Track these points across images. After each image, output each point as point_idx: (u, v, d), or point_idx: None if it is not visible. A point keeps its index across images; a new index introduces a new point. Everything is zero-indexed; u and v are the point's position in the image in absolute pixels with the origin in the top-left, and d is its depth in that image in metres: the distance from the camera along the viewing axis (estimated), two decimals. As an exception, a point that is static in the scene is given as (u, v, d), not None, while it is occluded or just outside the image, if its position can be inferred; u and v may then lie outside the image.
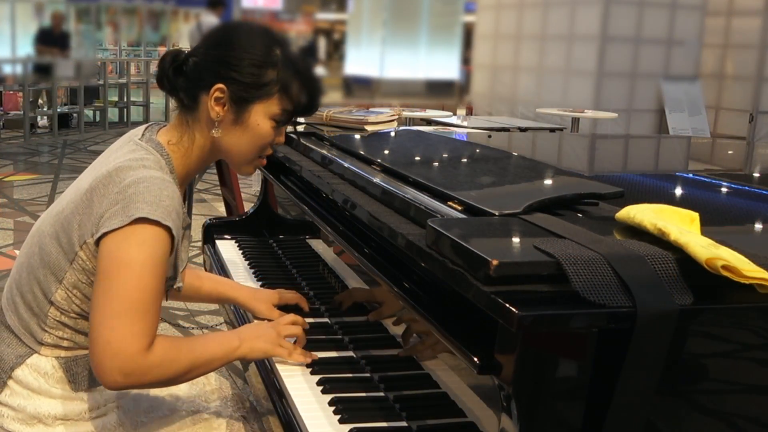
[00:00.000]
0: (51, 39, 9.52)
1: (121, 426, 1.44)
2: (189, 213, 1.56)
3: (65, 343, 1.40)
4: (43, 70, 9.43)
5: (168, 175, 1.36)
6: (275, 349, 1.45)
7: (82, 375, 1.41)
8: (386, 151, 2.06)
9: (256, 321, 1.69)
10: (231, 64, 1.36)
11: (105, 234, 1.26)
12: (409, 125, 5.71)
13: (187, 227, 1.50)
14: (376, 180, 1.55)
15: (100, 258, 1.27)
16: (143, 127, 1.48)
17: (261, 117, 1.39)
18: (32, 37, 9.45)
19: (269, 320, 1.61)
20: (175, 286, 1.46)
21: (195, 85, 1.39)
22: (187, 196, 1.54)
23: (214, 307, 3.65)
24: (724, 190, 1.77)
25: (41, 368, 1.40)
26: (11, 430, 1.41)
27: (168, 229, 1.26)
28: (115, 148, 1.45)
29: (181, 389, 1.59)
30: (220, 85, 1.36)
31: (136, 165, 1.32)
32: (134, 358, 1.22)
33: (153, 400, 1.52)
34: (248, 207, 2.56)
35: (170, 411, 1.51)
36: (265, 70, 1.37)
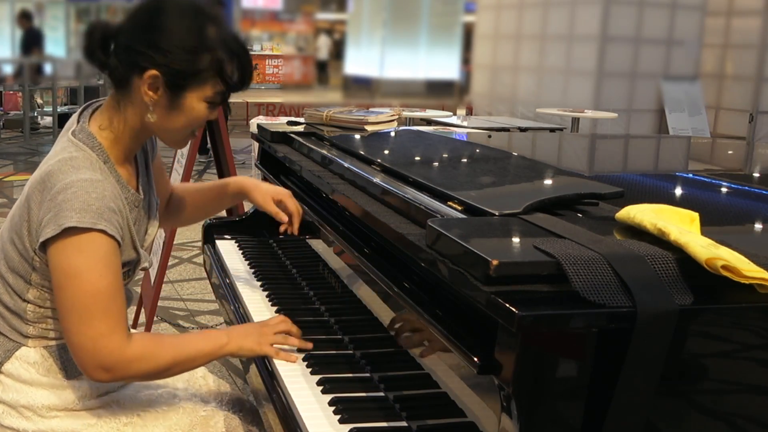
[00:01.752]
0: (25, 41, 9.45)
1: (117, 419, 1.45)
2: (148, 180, 1.54)
3: (51, 333, 1.43)
4: (20, 73, 9.36)
5: (99, 170, 1.35)
6: (263, 348, 1.48)
7: (72, 362, 1.42)
8: (386, 151, 2.06)
9: (250, 322, 1.70)
10: (164, 50, 1.32)
11: (44, 242, 1.29)
12: (409, 125, 5.71)
13: (142, 203, 1.49)
14: (376, 180, 1.55)
15: (50, 268, 1.31)
16: (81, 109, 1.47)
17: (196, 101, 1.37)
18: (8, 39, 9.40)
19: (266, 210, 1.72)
20: (141, 266, 1.49)
21: (127, 68, 1.35)
22: (141, 168, 1.52)
23: (214, 306, 3.65)
24: (724, 190, 1.77)
25: (30, 358, 1.42)
26: (8, 426, 1.42)
27: (102, 231, 1.28)
28: (56, 142, 1.45)
29: (179, 387, 1.59)
30: (154, 72, 1.32)
31: (66, 167, 1.32)
32: (111, 355, 1.28)
33: (151, 396, 1.53)
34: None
35: (168, 408, 1.51)
36: (199, 55, 1.33)
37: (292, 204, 1.76)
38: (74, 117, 1.46)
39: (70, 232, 1.26)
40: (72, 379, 1.43)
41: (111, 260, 1.30)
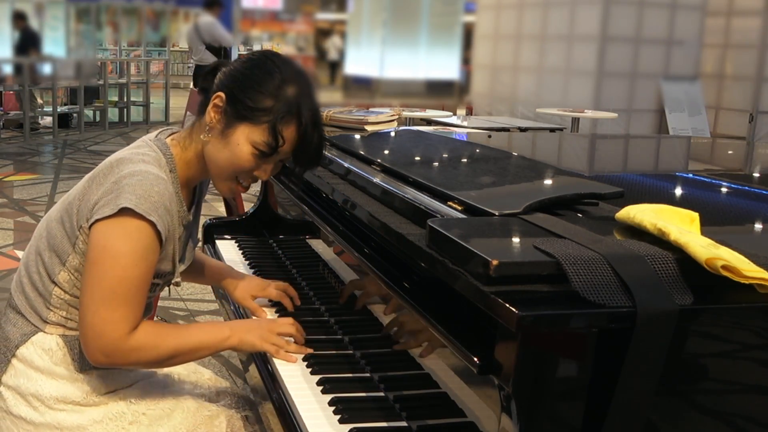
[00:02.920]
0: (21, 42, 9.43)
1: (123, 417, 1.46)
2: (197, 213, 1.60)
3: (69, 323, 1.45)
4: (19, 73, 9.34)
5: (165, 173, 1.41)
6: (264, 345, 1.49)
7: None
8: (386, 151, 2.06)
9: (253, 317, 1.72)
10: (240, 81, 1.40)
11: (96, 221, 1.33)
12: (409, 125, 5.71)
13: (190, 226, 1.54)
14: (376, 180, 1.55)
15: (90, 245, 1.35)
16: (159, 129, 1.54)
17: (243, 138, 1.39)
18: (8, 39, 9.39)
19: (243, 307, 1.76)
20: (173, 281, 1.53)
21: (209, 93, 1.44)
22: (196, 200, 1.59)
23: (214, 307, 3.65)
24: (724, 190, 1.77)
25: (46, 345, 1.44)
26: (16, 414, 1.43)
27: (153, 224, 1.32)
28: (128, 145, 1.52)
29: (185, 387, 1.60)
30: (221, 94, 1.40)
31: (136, 159, 1.39)
32: (114, 342, 1.32)
33: (156, 395, 1.53)
34: (248, 207, 2.56)
35: (173, 407, 1.51)
36: (264, 96, 1.38)
37: (274, 293, 1.75)
38: (154, 131, 1.53)
39: (123, 213, 1.31)
40: (83, 372, 1.45)
41: (150, 254, 1.34)
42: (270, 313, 1.73)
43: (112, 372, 1.49)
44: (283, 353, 1.49)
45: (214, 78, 1.45)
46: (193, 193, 1.56)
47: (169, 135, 1.50)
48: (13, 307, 1.50)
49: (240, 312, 1.83)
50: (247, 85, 1.38)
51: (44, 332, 1.45)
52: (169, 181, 1.41)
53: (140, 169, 1.36)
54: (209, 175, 1.49)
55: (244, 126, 1.39)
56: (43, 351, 1.44)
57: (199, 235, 2.40)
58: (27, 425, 1.43)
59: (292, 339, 1.52)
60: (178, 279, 1.54)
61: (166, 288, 1.58)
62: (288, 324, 1.53)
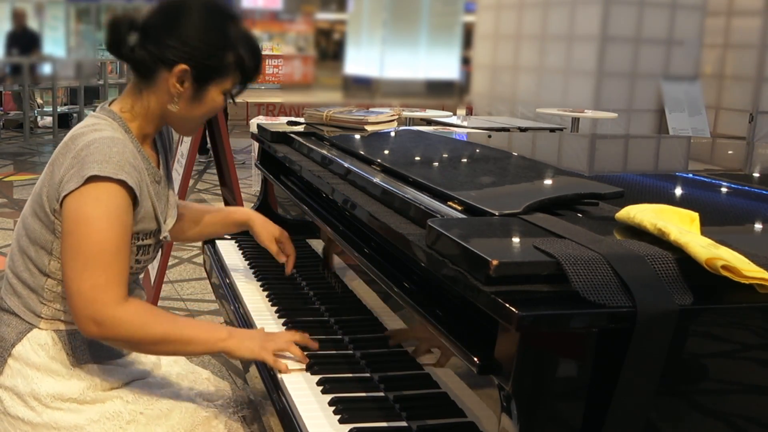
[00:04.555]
0: (18, 40, 9.42)
1: (120, 417, 1.46)
2: (168, 169, 1.62)
3: (63, 316, 1.46)
4: (16, 72, 9.32)
5: (121, 134, 1.43)
6: (262, 353, 1.45)
7: (81, 349, 1.47)
8: (386, 151, 2.06)
9: (257, 329, 1.68)
10: (193, 47, 1.42)
11: (65, 196, 1.35)
12: (409, 125, 5.71)
13: (165, 182, 1.57)
14: (376, 180, 1.55)
15: (63, 219, 1.36)
16: (101, 104, 1.56)
17: (216, 93, 1.48)
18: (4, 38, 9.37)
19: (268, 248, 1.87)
20: (161, 237, 1.54)
21: (155, 60, 1.43)
22: (163, 156, 1.62)
23: (214, 307, 3.65)
24: (724, 190, 1.77)
25: (41, 340, 1.45)
26: (14, 415, 1.43)
27: (122, 182, 1.34)
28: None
29: (183, 387, 1.60)
30: (184, 66, 1.42)
31: (88, 130, 1.42)
32: (104, 309, 1.32)
33: (154, 394, 1.53)
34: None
35: (171, 407, 1.51)
36: (225, 52, 1.45)
37: (291, 247, 1.89)
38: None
39: (90, 181, 1.33)
40: (79, 367, 1.46)
41: (123, 215, 1.36)
42: (276, 324, 1.72)
43: (108, 368, 1.50)
44: (281, 363, 1.45)
45: (134, 46, 1.44)
46: (155, 150, 1.58)
47: (111, 103, 1.51)
48: (5, 310, 1.50)
49: (240, 312, 1.83)
50: (204, 49, 1.42)
51: (39, 328, 1.45)
52: (128, 140, 1.44)
53: (95, 137, 1.38)
54: (166, 125, 1.56)
55: (216, 84, 1.47)
56: (39, 346, 1.44)
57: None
58: (24, 426, 1.43)
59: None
60: (166, 234, 1.55)
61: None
62: (289, 340, 1.49)
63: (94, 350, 1.49)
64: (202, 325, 1.48)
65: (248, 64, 1.48)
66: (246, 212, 1.95)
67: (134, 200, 1.39)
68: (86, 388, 1.45)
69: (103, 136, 1.38)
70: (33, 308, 1.46)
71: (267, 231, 1.89)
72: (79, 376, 1.46)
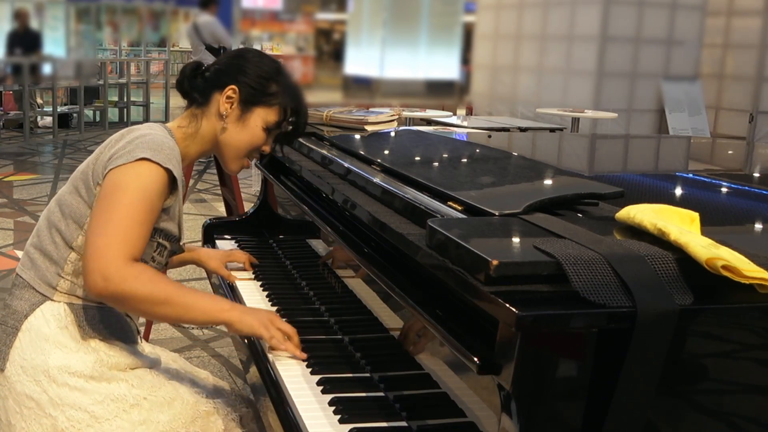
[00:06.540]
0: (20, 40, 9.42)
1: (124, 399, 1.47)
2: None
3: (79, 291, 1.50)
4: (17, 72, 9.31)
5: (171, 141, 1.54)
6: (261, 329, 1.47)
7: (92, 323, 1.50)
8: (386, 151, 2.06)
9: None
10: (245, 73, 1.62)
11: (111, 169, 1.44)
12: (409, 125, 5.71)
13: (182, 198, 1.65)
14: (376, 180, 1.55)
15: (102, 187, 1.45)
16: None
17: (260, 120, 1.62)
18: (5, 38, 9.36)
19: (220, 275, 2.00)
20: (180, 244, 1.63)
21: (211, 86, 1.62)
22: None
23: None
24: (724, 190, 1.77)
25: (54, 311, 1.49)
26: (18, 391, 1.45)
27: (168, 171, 1.45)
28: None
29: (185, 380, 1.61)
30: (234, 86, 1.60)
31: (144, 128, 1.55)
32: (113, 263, 1.36)
33: (157, 381, 1.55)
34: (248, 207, 2.56)
35: (173, 397, 1.53)
36: (270, 83, 1.62)
37: (240, 254, 2.07)
38: None
39: (139, 161, 1.43)
40: (86, 341, 1.49)
41: (155, 197, 1.44)
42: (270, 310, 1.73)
43: (116, 347, 1.52)
44: (276, 342, 1.47)
45: (196, 79, 1.65)
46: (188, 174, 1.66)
47: (163, 124, 1.62)
48: (18, 285, 1.54)
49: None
50: (253, 75, 1.61)
51: (52, 300, 1.49)
52: (176, 149, 1.55)
53: (150, 133, 1.50)
54: (211, 153, 1.68)
55: (260, 109, 1.61)
56: (51, 317, 1.48)
57: (199, 235, 2.41)
58: (29, 402, 1.44)
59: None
60: (182, 243, 1.64)
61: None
62: (291, 333, 1.51)
63: (105, 326, 1.52)
64: (206, 295, 1.51)
65: (290, 107, 1.63)
66: (190, 248, 2.02)
67: (169, 193, 1.49)
68: (93, 362, 1.47)
69: (158, 133, 1.52)
70: (49, 280, 1.50)
71: (214, 259, 2.03)
72: (87, 350, 1.49)
